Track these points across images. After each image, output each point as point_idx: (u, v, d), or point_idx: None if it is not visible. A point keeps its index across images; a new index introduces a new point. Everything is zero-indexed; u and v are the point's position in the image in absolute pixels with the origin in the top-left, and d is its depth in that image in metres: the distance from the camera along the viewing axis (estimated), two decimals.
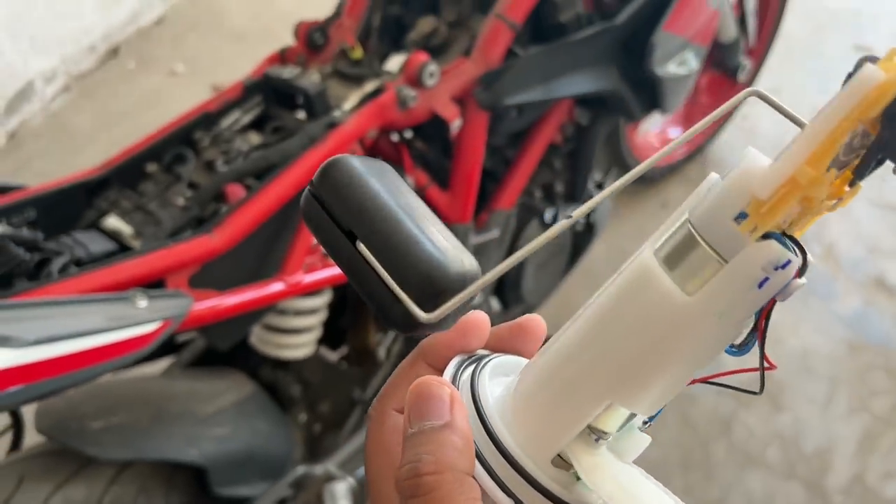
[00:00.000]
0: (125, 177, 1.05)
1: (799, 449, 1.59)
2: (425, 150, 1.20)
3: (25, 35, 1.99)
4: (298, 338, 1.11)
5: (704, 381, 0.30)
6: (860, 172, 0.24)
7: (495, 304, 1.34)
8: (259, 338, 1.13)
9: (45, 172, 1.96)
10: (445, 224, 0.34)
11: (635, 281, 0.27)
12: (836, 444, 1.60)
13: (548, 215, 1.35)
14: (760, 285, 0.25)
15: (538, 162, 1.31)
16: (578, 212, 0.30)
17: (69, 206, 1.01)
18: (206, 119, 1.09)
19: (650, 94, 1.29)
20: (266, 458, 1.08)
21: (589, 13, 1.20)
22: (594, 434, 0.30)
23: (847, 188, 0.25)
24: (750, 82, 1.92)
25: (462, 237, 1.18)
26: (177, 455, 0.97)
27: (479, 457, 0.29)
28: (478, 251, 1.23)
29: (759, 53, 1.90)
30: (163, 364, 1.20)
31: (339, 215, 0.32)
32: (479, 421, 0.30)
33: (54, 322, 0.74)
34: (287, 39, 1.21)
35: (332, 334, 1.23)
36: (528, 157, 1.28)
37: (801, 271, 0.26)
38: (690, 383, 0.30)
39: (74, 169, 1.95)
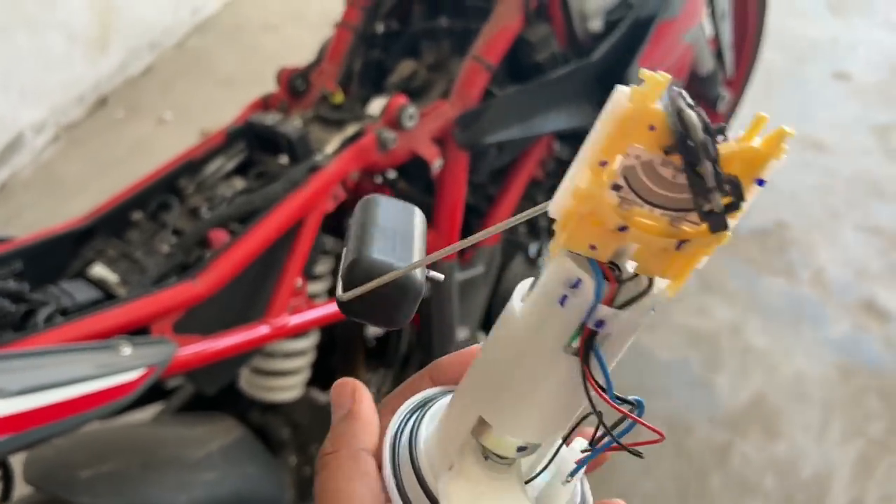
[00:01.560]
0: (111, 225, 1.06)
1: (796, 476, 1.59)
2: (408, 189, 1.22)
3: (15, 87, 2.02)
4: (286, 380, 1.12)
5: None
6: (698, 201, 0.24)
7: (484, 337, 1.34)
8: (247, 381, 1.13)
9: (36, 223, 1.97)
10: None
11: (509, 302, 0.29)
12: (833, 470, 1.60)
13: (532, 250, 1.37)
14: (562, 303, 0.26)
15: (521, 197, 1.33)
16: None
17: (56, 256, 1.02)
18: (191, 166, 1.11)
19: None
20: (256, 503, 1.08)
21: (564, 52, 1.22)
22: (486, 454, 0.31)
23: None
24: (731, 112, 1.95)
25: (447, 274, 1.19)
26: (166, 501, 0.97)
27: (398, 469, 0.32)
28: (464, 287, 1.24)
29: (739, 84, 1.93)
30: (152, 410, 1.20)
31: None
32: (407, 438, 0.33)
33: (39, 372, 0.74)
34: (274, 84, 1.24)
35: (321, 375, 1.23)
36: (510, 193, 1.29)
37: (625, 302, 0.26)
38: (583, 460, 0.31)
39: (65, 218, 1.96)
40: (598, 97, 1.25)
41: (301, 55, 1.46)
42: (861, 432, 1.66)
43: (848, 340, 1.80)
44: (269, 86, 1.26)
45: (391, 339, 1.28)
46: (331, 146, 1.09)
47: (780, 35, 2.47)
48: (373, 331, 1.29)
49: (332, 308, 1.09)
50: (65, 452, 0.99)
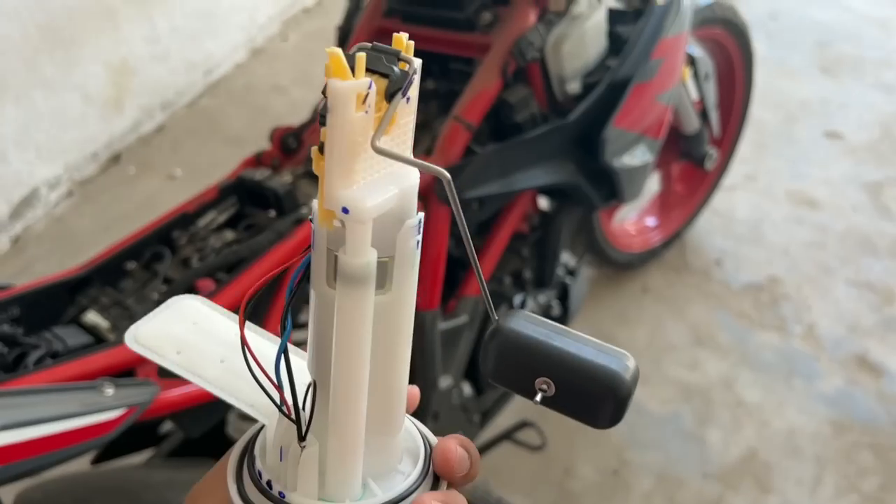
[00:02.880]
0: (106, 274, 1.11)
1: None
2: None
3: (32, 145, 2.11)
4: None
5: None
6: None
7: (468, 388, 1.37)
8: (235, 427, 1.17)
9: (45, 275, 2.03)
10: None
11: None
12: None
13: (517, 300, 1.40)
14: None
15: (504, 249, 1.37)
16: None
17: (52, 303, 1.07)
18: (185, 219, 1.17)
19: (608, 185, 1.36)
20: None
21: (543, 112, 1.28)
22: None
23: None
24: (720, 171, 2.00)
25: (430, 323, 1.23)
26: None
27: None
28: (447, 337, 1.28)
29: (728, 143, 1.99)
30: (144, 455, 1.24)
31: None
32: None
33: (23, 409, 0.79)
34: None
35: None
36: (493, 245, 1.34)
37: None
38: None
39: None
40: (576, 155, 1.30)
41: (306, 115, 1.54)
42: (855, 488, 1.65)
43: (841, 395, 1.81)
44: None
45: None
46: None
47: (771, 94, 2.54)
48: None
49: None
50: (54, 495, 1.02)
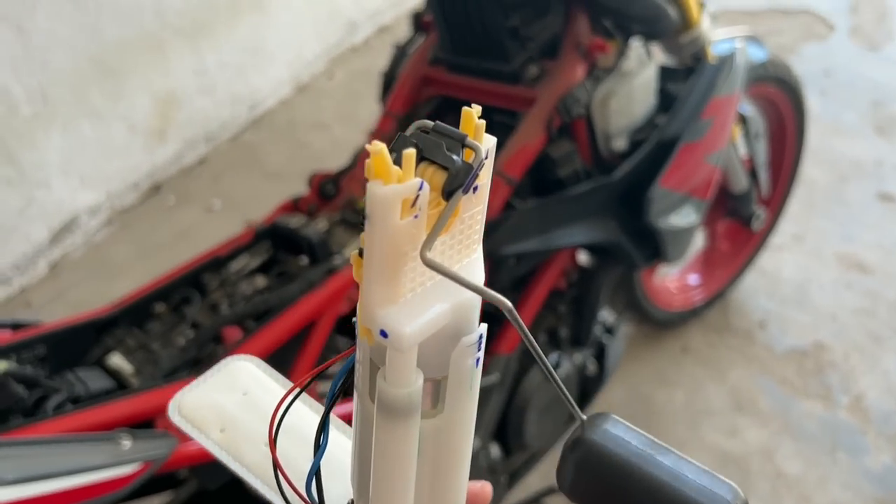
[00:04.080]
0: (134, 315, 1.09)
1: None
2: None
3: (76, 173, 2.14)
4: None
5: None
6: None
7: (495, 449, 1.32)
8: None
9: (81, 301, 2.04)
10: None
11: None
12: None
13: (551, 359, 1.36)
14: None
15: (541, 307, 1.33)
16: None
17: (78, 343, 1.05)
18: (216, 262, 1.15)
19: (652, 245, 1.31)
20: None
21: (587, 168, 1.25)
22: None
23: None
24: (767, 231, 1.94)
25: None
26: None
27: None
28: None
29: (776, 203, 1.93)
30: (160, 500, 1.21)
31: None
32: None
33: (36, 461, 0.76)
34: None
35: None
36: (529, 302, 1.30)
37: None
38: None
39: (109, 299, 2.03)
40: (620, 213, 1.26)
41: (346, 153, 1.52)
42: None
43: (888, 473, 1.71)
44: None
45: None
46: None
47: (823, 153, 2.47)
48: None
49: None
50: None
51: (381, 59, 1.48)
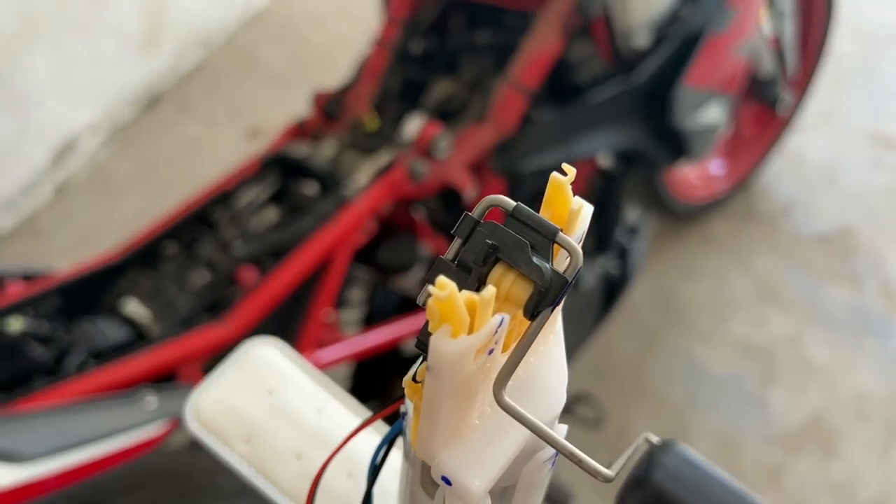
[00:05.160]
0: (145, 258, 1.06)
1: (853, 500, 1.52)
2: (444, 215, 1.19)
3: (70, 91, 2.05)
4: None
5: None
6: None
7: None
8: None
9: (90, 225, 2.01)
10: None
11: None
12: (894, 494, 1.53)
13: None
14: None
15: None
16: None
17: (92, 290, 1.03)
18: (224, 197, 1.10)
19: (676, 145, 1.25)
20: None
21: (607, 69, 1.17)
22: None
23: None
24: (792, 113, 1.85)
25: None
26: None
27: None
28: None
29: (803, 83, 1.83)
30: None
31: None
32: None
33: (60, 430, 0.75)
34: (320, 80, 1.21)
35: (357, 388, 1.22)
36: None
37: None
38: None
39: (118, 220, 1.99)
40: (643, 116, 1.19)
41: (346, 48, 1.42)
42: None
43: None
44: (316, 82, 1.24)
45: None
46: (362, 175, 1.06)
47: (853, 22, 2.33)
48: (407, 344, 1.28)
49: (363, 341, 1.07)
50: (101, 484, 1.01)
51: None
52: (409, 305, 1.16)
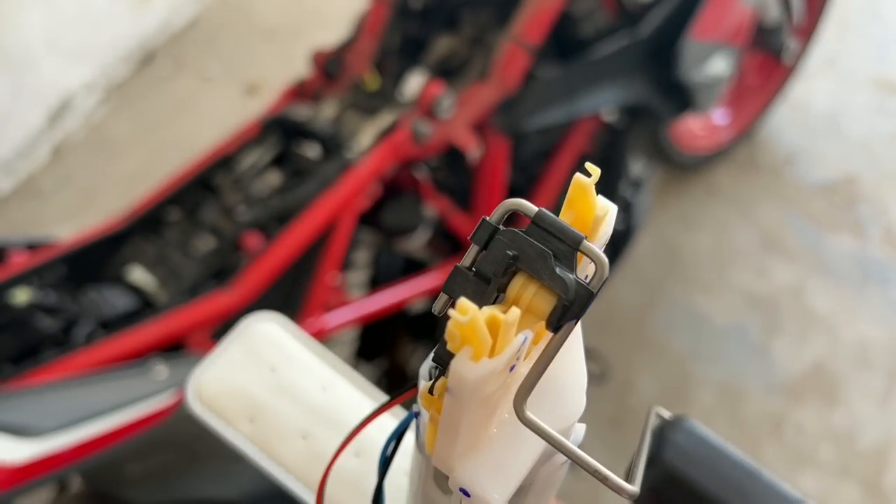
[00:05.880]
0: (149, 224, 1.06)
1: (854, 447, 1.55)
2: (449, 179, 1.18)
3: (63, 50, 2.02)
4: None
5: None
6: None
7: None
8: None
9: (88, 186, 2.00)
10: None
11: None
12: (894, 441, 1.55)
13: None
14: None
15: (568, 174, 1.27)
16: None
17: (96, 257, 1.02)
18: (226, 161, 1.09)
19: (681, 98, 1.23)
20: None
21: (610, 22, 1.14)
22: None
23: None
24: (797, 61, 1.82)
25: None
26: (213, 493, 0.99)
27: None
28: None
29: (808, 30, 1.80)
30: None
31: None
32: None
33: (72, 404, 0.75)
34: (317, 35, 1.18)
35: (365, 348, 1.22)
36: (555, 171, 1.24)
37: None
38: None
39: (116, 180, 1.98)
40: (647, 69, 1.17)
41: (343, 7, 1.38)
42: None
43: None
44: (311, 37, 1.21)
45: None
46: (365, 137, 1.05)
47: None
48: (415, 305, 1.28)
49: (370, 304, 1.07)
50: (111, 451, 1.02)
51: None
52: (413, 266, 1.15)
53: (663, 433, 0.31)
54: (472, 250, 0.22)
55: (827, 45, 2.06)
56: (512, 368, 0.21)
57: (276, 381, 0.40)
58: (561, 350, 0.23)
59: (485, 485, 0.22)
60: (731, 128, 1.86)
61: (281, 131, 1.11)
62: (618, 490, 0.22)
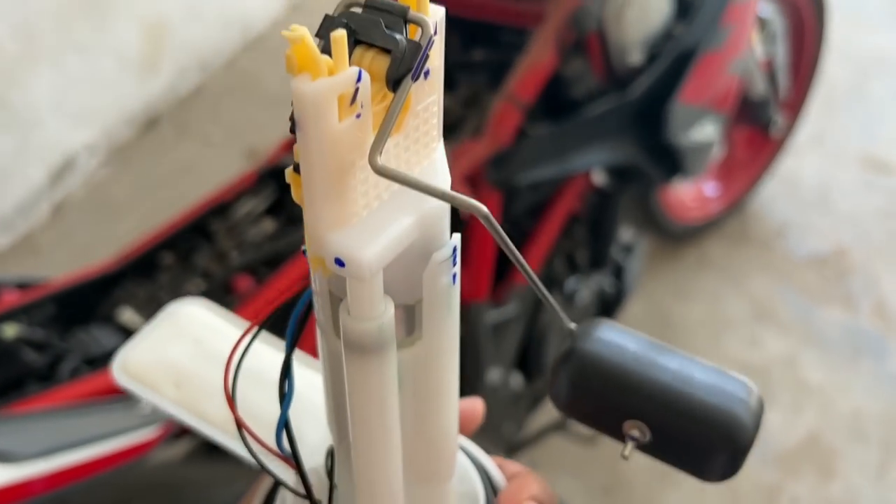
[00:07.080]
0: (141, 268, 1.06)
1: None
2: None
3: (69, 111, 2.07)
4: None
5: None
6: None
7: (517, 377, 1.31)
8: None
9: (86, 244, 2.01)
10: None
11: None
12: None
13: (569, 285, 1.33)
14: None
15: (558, 233, 1.29)
16: None
17: (87, 299, 1.03)
18: (222, 208, 1.11)
19: (671, 162, 1.26)
20: None
21: (601, 85, 1.18)
22: None
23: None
24: (785, 136, 1.87)
25: (478, 315, 1.16)
26: None
27: None
28: (497, 328, 1.21)
29: (796, 106, 1.85)
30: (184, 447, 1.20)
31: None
32: None
33: (53, 432, 0.75)
34: None
35: None
36: (546, 229, 1.26)
37: None
38: None
39: (114, 239, 2.00)
40: (637, 132, 1.20)
41: None
42: None
43: None
44: None
45: None
46: None
47: (843, 48, 2.36)
48: None
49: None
50: (95, 489, 1.00)
51: None
52: None
53: (580, 329, 0.32)
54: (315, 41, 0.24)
55: (815, 121, 2.11)
56: (359, 116, 0.22)
57: (199, 351, 0.41)
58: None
59: (355, 246, 0.23)
60: (721, 200, 1.90)
61: (276, 181, 1.13)
62: (470, 207, 0.23)
